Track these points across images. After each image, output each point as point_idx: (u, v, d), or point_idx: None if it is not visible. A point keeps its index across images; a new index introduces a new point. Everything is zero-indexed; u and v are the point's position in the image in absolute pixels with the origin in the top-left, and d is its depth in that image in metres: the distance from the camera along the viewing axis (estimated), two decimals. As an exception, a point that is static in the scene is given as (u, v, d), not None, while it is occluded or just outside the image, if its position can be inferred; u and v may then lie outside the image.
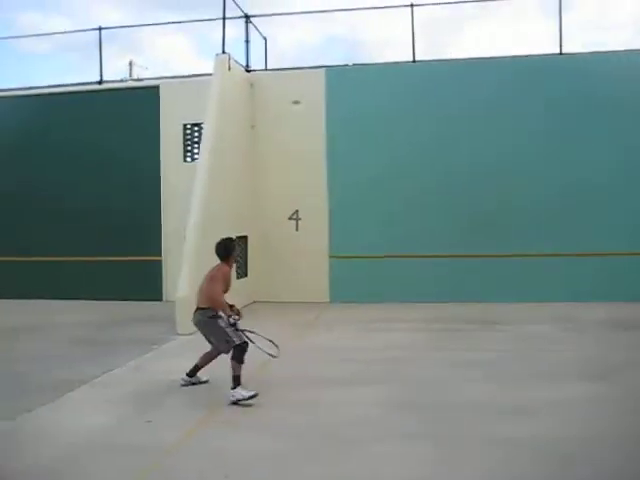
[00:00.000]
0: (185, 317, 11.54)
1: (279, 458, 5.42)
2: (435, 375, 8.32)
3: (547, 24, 15.29)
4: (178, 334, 11.38)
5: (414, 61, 15.77)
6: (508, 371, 8.43)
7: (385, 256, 15.28)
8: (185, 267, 12.20)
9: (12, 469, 5.21)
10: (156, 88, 16.53)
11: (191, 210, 12.80)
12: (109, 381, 8.28)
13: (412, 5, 15.74)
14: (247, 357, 7.27)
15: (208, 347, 7.89)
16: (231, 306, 7.60)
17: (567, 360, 8.97)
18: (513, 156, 14.94)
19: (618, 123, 14.54)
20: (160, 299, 16.20)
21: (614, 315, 12.39)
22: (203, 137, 14.04)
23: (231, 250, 7.91)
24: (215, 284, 7.53)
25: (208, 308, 7.49)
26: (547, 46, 15.38)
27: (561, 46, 15.10)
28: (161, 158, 16.42)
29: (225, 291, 7.67)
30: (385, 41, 19.84)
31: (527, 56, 15.30)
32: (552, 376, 8.09)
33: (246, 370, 7.43)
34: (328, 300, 15.41)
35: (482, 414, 6.57)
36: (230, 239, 8.14)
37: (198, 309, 7.61)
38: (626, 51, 14.84)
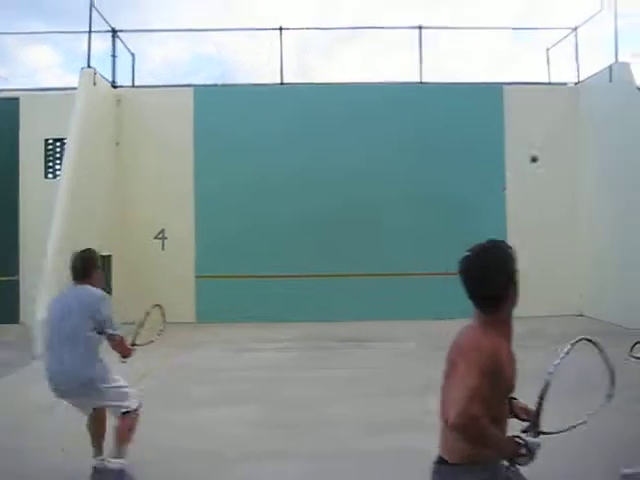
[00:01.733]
0: (44, 340, 11.13)
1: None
2: (304, 393, 8.42)
3: (412, 54, 15.97)
4: (35, 358, 10.87)
5: (282, 83, 16.03)
6: (378, 387, 8.66)
7: (253, 276, 15.33)
8: (43, 289, 11.72)
9: None
10: (16, 100, 15.86)
11: (52, 229, 12.33)
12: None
13: (281, 28, 16.03)
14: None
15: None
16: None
17: (435, 375, 9.20)
18: (373, 179, 15.46)
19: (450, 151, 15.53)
20: (17, 321, 15.44)
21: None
22: (65, 153, 13.60)
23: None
24: None
25: None
26: (409, 75, 16.12)
27: (421, 75, 15.91)
28: (20, 174, 15.73)
29: None
30: (256, 62, 19.97)
31: (390, 83, 15.98)
32: (422, 390, 8.33)
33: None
34: (195, 320, 15.27)
35: (352, 430, 6.72)
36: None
37: None
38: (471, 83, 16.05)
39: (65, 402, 5.34)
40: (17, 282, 15.76)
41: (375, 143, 15.54)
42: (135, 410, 5.30)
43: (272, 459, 5.89)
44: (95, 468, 5.22)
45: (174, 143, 15.65)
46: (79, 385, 4.98)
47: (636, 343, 5.69)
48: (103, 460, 5.23)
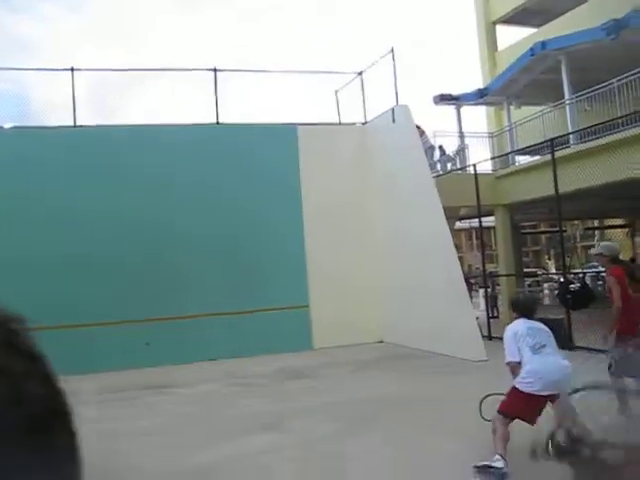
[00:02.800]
0: None
1: None
2: (104, 449, 7.98)
3: (208, 95, 16.21)
4: None
5: (75, 125, 15.48)
6: (183, 434, 8.37)
7: (48, 327, 14.08)
8: None
9: None
10: None
11: None
12: None
13: (72, 69, 15.58)
14: None
15: None
16: None
17: (239, 415, 9.17)
18: (177, 220, 15.19)
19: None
20: None
21: (281, 366, 13.15)
22: None
23: None
24: None
25: None
26: (207, 115, 16.33)
27: (217, 116, 16.20)
28: None
29: None
30: (52, 103, 19.25)
31: (187, 125, 16.10)
32: (228, 432, 8.21)
33: None
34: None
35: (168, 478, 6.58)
36: None
37: None
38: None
39: None
40: None
41: (169, 186, 15.35)
42: None
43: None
44: None
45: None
46: None
47: (483, 399, 6.28)
48: None
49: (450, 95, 21.53)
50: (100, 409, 10.23)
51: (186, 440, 8.05)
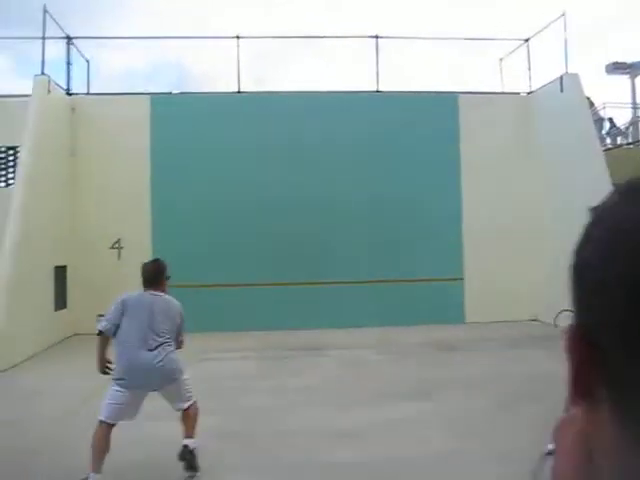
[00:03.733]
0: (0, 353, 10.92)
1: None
2: (263, 403, 8.39)
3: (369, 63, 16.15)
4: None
5: (239, 92, 15.99)
6: (334, 395, 8.67)
7: (212, 285, 15.22)
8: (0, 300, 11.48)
9: None
10: (-35, 108, 15.50)
11: (6, 239, 12.08)
12: None
13: (238, 37, 16.01)
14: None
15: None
16: None
17: (391, 381, 9.38)
18: (329, 186, 15.48)
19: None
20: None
21: (430, 338, 13.12)
22: (19, 163, 13.36)
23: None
24: None
25: None
26: (366, 83, 16.29)
27: (378, 84, 16.08)
28: (-30, 183, 15.39)
29: None
30: (215, 71, 19.98)
31: (347, 92, 16.12)
32: (379, 397, 8.42)
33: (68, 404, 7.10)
34: (153, 330, 15.08)
35: (311, 440, 6.73)
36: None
37: None
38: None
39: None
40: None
41: (332, 152, 15.58)
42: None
43: (227, 472, 5.85)
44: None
45: (130, 152, 15.43)
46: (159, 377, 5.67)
47: (560, 312, 5.82)
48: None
49: (625, 63, 20.22)
50: (259, 366, 10.72)
51: (337, 401, 8.29)
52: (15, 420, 7.73)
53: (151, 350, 5.68)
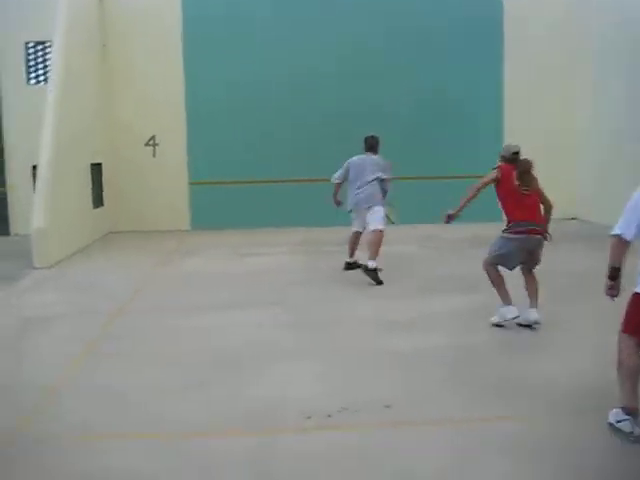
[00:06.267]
0: (42, 249, 11.00)
1: (175, 390, 5.28)
2: (314, 295, 8.42)
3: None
4: (35, 267, 10.77)
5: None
6: (385, 288, 8.71)
7: (248, 181, 15.10)
8: (39, 198, 11.46)
9: None
10: (-10, 2, 15.08)
11: (42, 136, 11.94)
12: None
13: None
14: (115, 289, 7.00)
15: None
16: None
17: (439, 276, 9.40)
18: (375, 75, 14.98)
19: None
20: (7, 233, 15.23)
21: (472, 234, 12.96)
22: (52, 57, 13.02)
23: None
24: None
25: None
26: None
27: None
28: (0, 80, 15.14)
29: None
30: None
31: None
32: (429, 291, 8.46)
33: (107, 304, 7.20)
34: (189, 228, 15.14)
35: (365, 328, 6.76)
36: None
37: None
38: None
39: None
40: (5, 193, 15.44)
41: (372, 38, 15.00)
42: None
43: (285, 359, 5.89)
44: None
45: (162, 41, 15.01)
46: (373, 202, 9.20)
47: None
48: None
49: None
50: (305, 260, 10.73)
51: (386, 293, 8.40)
52: (80, 311, 7.85)
53: (364, 188, 9.19)
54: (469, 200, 6.91)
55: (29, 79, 15.25)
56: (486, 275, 6.70)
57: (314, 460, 3.98)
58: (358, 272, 9.26)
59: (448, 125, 15.16)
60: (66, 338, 6.82)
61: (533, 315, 6.55)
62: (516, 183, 6.64)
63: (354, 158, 9.56)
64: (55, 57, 12.82)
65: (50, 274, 10.46)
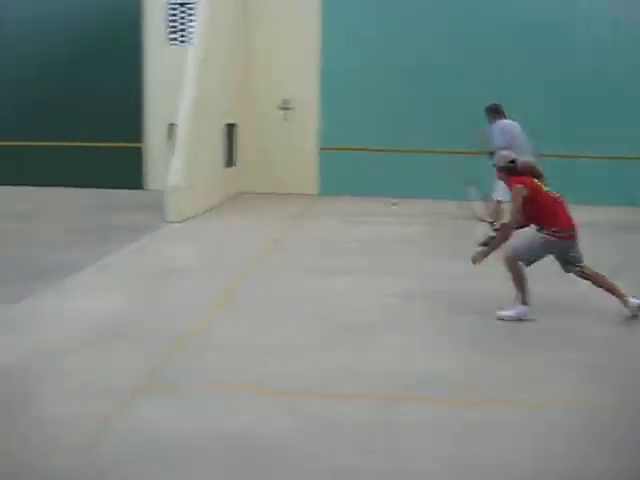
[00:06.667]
0: (176, 205, 11.31)
1: (296, 348, 5.27)
2: (440, 266, 8.21)
3: None
4: (168, 222, 11.10)
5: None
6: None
7: (378, 149, 14.93)
8: (176, 155, 11.76)
9: (30, 349, 5.00)
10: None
11: (183, 95, 12.20)
12: (106, 266, 8.02)
13: None
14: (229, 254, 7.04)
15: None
16: None
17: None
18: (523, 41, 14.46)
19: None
20: (142, 187, 15.81)
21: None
22: (197, 18, 13.26)
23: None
24: None
25: None
26: None
27: None
28: (144, 39, 15.61)
29: None
30: None
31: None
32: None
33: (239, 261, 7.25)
34: (317, 192, 15.17)
35: (489, 304, 6.47)
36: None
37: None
38: None
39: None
40: (141, 149, 15.99)
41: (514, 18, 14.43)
42: None
43: (407, 329, 5.75)
44: None
45: (301, 6, 15.03)
46: None
47: None
48: None
49: None
50: (429, 231, 10.51)
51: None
52: (210, 266, 8.01)
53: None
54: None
55: (171, 39, 15.64)
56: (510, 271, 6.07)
57: (433, 431, 3.84)
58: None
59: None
60: (197, 291, 6.96)
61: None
62: (546, 190, 6.11)
63: (507, 122, 9.54)
64: (198, 18, 13.05)
65: (182, 229, 10.76)
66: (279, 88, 15.25)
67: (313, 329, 5.72)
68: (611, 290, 6.17)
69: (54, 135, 15.90)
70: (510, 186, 6.14)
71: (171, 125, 13.27)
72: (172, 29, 15.58)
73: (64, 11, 15.77)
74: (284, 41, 15.08)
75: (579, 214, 6.39)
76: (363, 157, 15.05)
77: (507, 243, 6.12)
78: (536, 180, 6.12)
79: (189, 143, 11.88)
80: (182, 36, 15.40)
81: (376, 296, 6.81)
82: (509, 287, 6.16)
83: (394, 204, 13.13)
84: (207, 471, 3.34)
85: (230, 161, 14.79)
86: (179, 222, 11.09)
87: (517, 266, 6.07)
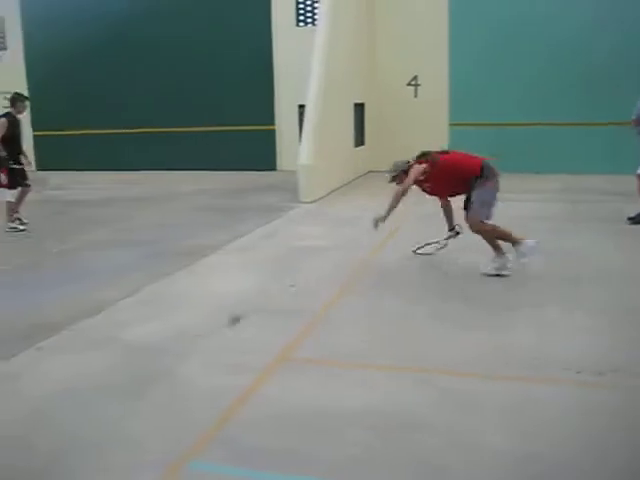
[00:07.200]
0: (308, 185, 11.50)
1: (430, 325, 5.25)
2: (582, 245, 7.88)
3: None
4: (301, 202, 11.32)
5: None
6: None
7: (508, 124, 14.51)
8: (306, 135, 11.94)
9: (180, 324, 5.27)
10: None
11: (311, 77, 12.36)
12: (243, 246, 8.29)
13: None
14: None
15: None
16: None
17: None
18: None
19: None
20: (274, 168, 16.20)
21: None
22: (320, 1, 13.36)
23: None
24: None
25: None
26: None
27: None
28: (272, 22, 15.90)
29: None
30: None
31: None
32: None
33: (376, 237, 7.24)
34: (447, 170, 14.93)
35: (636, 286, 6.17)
36: None
37: None
38: None
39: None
40: (274, 132, 16.35)
41: None
42: None
43: (547, 308, 5.54)
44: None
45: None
46: None
47: None
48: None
49: None
50: (563, 209, 10.12)
51: None
52: (344, 245, 8.11)
53: None
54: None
55: (299, 21, 15.84)
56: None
57: (574, 416, 3.71)
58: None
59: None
60: (330, 270, 7.05)
61: None
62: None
63: None
64: (323, 0, 13.13)
65: (315, 208, 10.94)
66: (407, 65, 15.18)
67: (440, 306, 5.68)
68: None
69: (190, 121, 16.59)
70: None
71: (301, 106, 13.49)
72: (300, 11, 15.78)
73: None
74: (411, 17, 14.96)
75: None
76: (493, 132, 14.66)
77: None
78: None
79: (318, 124, 12.02)
80: (309, 18, 15.58)
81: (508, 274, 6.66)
82: None
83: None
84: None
85: (360, 140, 14.84)
86: (311, 202, 11.28)
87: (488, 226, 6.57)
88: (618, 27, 13.72)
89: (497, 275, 6.53)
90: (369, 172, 15.06)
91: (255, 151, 16.37)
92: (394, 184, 7.01)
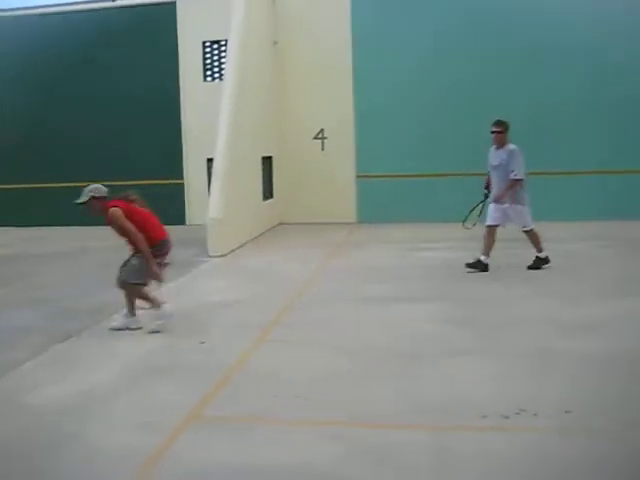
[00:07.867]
0: (217, 239, 11.46)
1: (344, 377, 5.27)
2: (485, 292, 8.14)
3: None
4: (210, 256, 11.25)
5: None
6: (558, 288, 8.26)
7: (416, 175, 14.93)
8: (215, 189, 11.94)
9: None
10: (172, 5, 15.96)
11: (219, 130, 12.42)
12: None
13: None
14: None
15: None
16: None
17: (611, 277, 8.78)
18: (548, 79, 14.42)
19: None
20: (183, 222, 16.06)
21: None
22: (228, 54, 13.53)
23: None
24: None
25: None
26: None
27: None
28: (180, 78, 15.98)
29: None
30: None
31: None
32: (602, 293, 7.89)
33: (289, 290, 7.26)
34: (356, 220, 15.21)
35: (540, 330, 6.41)
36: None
37: None
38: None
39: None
40: (183, 186, 16.28)
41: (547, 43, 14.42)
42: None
43: (458, 356, 5.67)
44: None
45: (331, 38, 15.20)
46: None
47: None
48: None
49: None
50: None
51: (561, 293, 7.82)
52: (255, 298, 8.07)
53: None
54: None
55: (206, 76, 15.98)
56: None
57: (492, 460, 3.79)
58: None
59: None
60: (242, 324, 7.00)
61: None
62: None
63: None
64: (230, 55, 13.31)
65: (224, 262, 10.89)
66: (314, 119, 15.44)
67: (355, 358, 5.71)
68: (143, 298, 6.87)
69: (95, 175, 16.25)
70: None
71: (210, 160, 13.52)
72: (207, 67, 15.93)
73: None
74: (317, 73, 15.29)
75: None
76: (400, 183, 15.07)
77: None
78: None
79: (226, 177, 12.06)
80: (217, 73, 15.76)
81: (422, 323, 6.79)
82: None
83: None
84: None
85: (268, 193, 14.95)
86: (220, 256, 11.23)
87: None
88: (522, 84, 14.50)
89: (126, 329, 6.86)
90: (279, 224, 15.16)
91: (164, 205, 16.04)
92: None
